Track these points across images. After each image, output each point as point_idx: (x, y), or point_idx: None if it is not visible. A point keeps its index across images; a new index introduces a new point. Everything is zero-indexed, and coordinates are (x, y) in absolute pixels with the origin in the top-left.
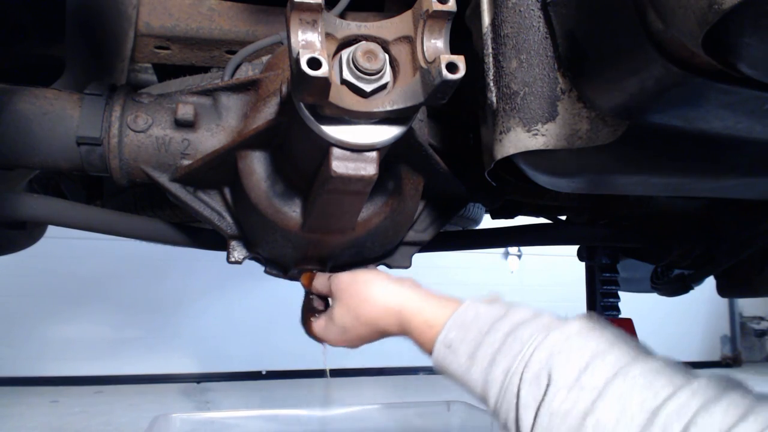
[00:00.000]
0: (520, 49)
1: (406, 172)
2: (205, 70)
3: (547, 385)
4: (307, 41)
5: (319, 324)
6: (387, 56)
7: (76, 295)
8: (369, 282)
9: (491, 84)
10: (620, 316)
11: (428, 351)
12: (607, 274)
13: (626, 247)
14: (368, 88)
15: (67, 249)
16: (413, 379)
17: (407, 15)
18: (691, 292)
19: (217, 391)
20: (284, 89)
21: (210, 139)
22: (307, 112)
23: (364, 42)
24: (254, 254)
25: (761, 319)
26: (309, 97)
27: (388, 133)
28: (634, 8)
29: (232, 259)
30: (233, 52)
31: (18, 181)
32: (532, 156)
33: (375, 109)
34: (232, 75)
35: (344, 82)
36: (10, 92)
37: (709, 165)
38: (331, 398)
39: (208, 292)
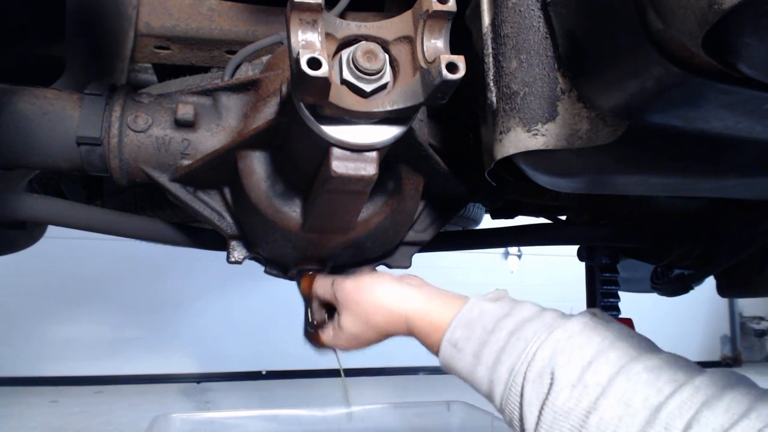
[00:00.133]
0: (520, 49)
1: (406, 172)
2: (205, 70)
3: (551, 384)
4: (307, 41)
5: (328, 334)
6: (387, 56)
7: (76, 295)
8: (373, 286)
9: (491, 84)
10: (620, 316)
11: (435, 351)
12: (607, 274)
13: (626, 247)
14: (368, 88)
15: (67, 249)
16: (413, 379)
17: (407, 15)
18: (691, 292)
19: (217, 391)
20: (284, 89)
21: (210, 139)
22: (307, 112)
23: (364, 42)
24: (254, 254)
25: (761, 319)
26: (309, 97)
27: (388, 133)
28: (634, 8)
29: (232, 259)
30: (233, 52)
31: (18, 181)
32: (532, 156)
33: (375, 109)
34: (232, 75)
35: (344, 82)
36: (10, 92)
37: (709, 165)
38: (351, 397)
39: (208, 292)
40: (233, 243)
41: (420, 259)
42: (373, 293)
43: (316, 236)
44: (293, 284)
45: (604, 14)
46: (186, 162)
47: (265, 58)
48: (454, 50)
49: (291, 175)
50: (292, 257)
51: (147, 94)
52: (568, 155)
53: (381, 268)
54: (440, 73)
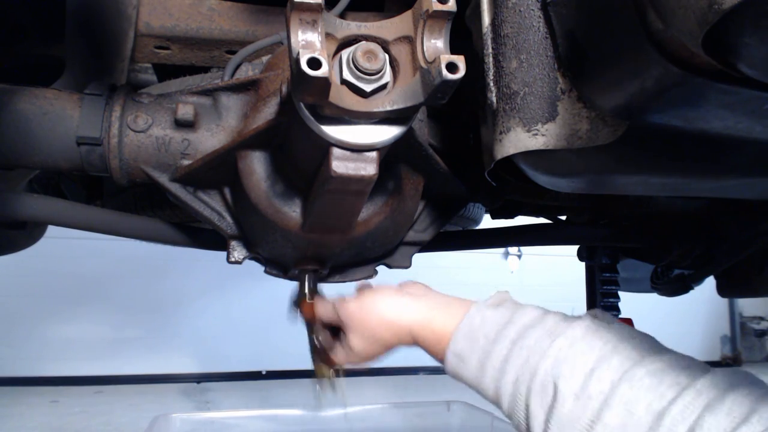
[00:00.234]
0: (520, 49)
1: (406, 172)
2: (205, 70)
3: (554, 394)
4: (307, 41)
5: (339, 356)
6: (387, 56)
7: (76, 295)
8: (375, 303)
9: (491, 84)
10: (620, 316)
11: (440, 360)
12: (607, 274)
13: (626, 247)
14: (368, 88)
15: (67, 249)
16: (413, 379)
17: (407, 15)
18: (691, 292)
19: (217, 391)
20: (284, 89)
21: (210, 139)
22: (307, 112)
23: (364, 42)
24: (254, 254)
25: (761, 319)
26: (309, 97)
27: (388, 133)
28: (634, 8)
29: (232, 259)
30: (233, 52)
31: (18, 181)
32: (532, 156)
33: (375, 109)
34: (232, 75)
35: (344, 82)
36: (10, 92)
37: (709, 165)
38: (348, 397)
39: (208, 292)
40: (233, 243)
41: (420, 259)
42: (376, 310)
43: (316, 236)
44: (293, 284)
45: (604, 14)
46: (186, 162)
47: (265, 58)
48: (454, 50)
49: (291, 175)
50: (292, 257)
51: (147, 94)
52: (568, 155)
53: (381, 269)
54: (440, 73)
